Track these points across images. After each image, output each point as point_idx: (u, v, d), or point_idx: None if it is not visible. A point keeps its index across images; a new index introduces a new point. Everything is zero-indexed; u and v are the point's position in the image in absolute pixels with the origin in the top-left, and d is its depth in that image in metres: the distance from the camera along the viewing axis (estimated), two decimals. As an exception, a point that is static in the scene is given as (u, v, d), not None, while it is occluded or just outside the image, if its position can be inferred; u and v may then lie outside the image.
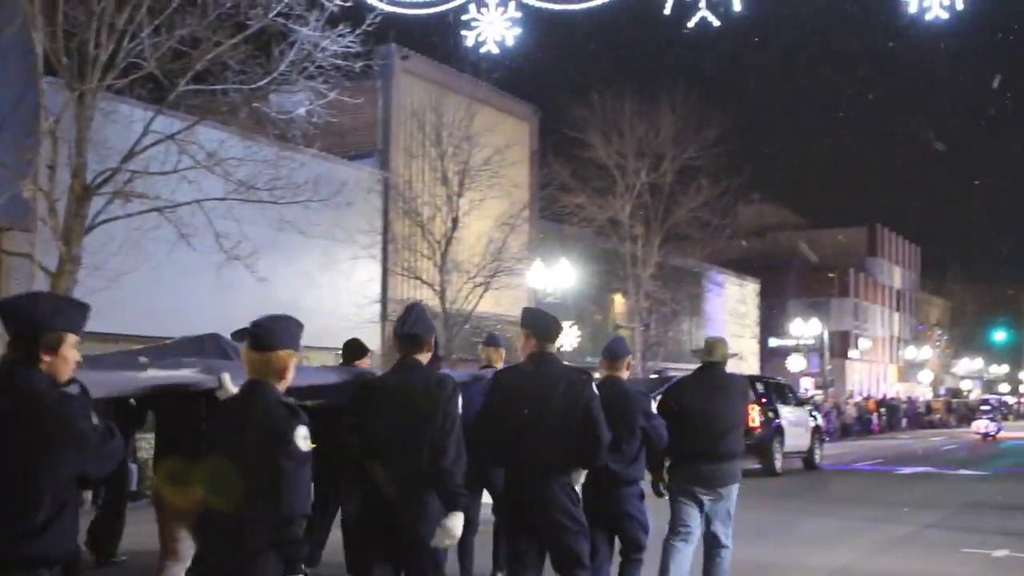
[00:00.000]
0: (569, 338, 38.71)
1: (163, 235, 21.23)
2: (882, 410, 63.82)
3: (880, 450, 40.45)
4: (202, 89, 19.66)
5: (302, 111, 20.92)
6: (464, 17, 17.28)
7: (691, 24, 16.33)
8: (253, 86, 19.23)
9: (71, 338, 4.72)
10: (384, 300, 33.65)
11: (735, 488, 9.43)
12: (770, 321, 67.25)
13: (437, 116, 34.63)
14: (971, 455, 38.97)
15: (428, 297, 33.40)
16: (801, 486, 24.42)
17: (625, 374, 9.17)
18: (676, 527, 9.24)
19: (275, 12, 18.51)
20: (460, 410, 6.77)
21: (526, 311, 8.13)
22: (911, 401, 74.73)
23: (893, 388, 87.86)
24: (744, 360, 51.93)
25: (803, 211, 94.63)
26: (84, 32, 18.18)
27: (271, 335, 5.39)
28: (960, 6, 15.18)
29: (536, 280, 35.27)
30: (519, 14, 16.90)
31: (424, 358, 6.98)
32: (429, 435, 6.60)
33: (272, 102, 21.24)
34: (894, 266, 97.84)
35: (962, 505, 20.98)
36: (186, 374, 6.83)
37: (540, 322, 7.86)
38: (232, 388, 6.12)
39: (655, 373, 35.86)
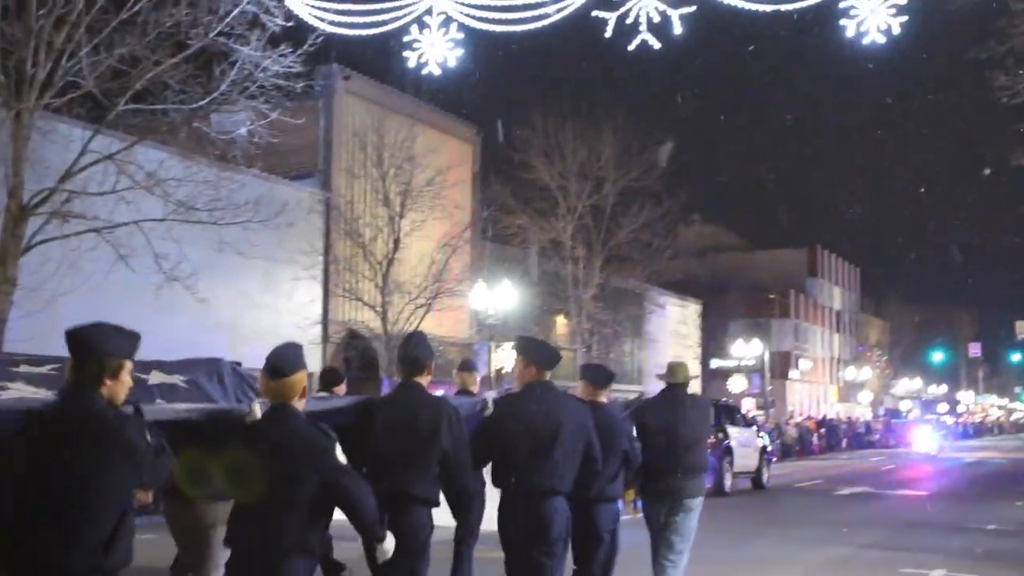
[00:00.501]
0: (511, 360, 38.64)
1: (101, 256, 21.03)
2: (822, 430, 64.23)
3: (820, 470, 40.69)
4: (142, 108, 19.51)
5: (243, 131, 20.79)
6: (406, 38, 17.22)
7: (632, 47, 16.37)
8: (193, 106, 19.10)
9: (128, 364, 5.23)
10: (325, 321, 33.51)
11: (700, 501, 10.00)
12: (712, 342, 67.63)
13: (379, 137, 34.58)
14: (909, 475, 39.30)
15: (369, 318, 33.30)
16: (747, 506, 24.49)
17: (606, 399, 9.45)
18: (654, 540, 9.95)
19: (216, 32, 18.39)
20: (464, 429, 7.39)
21: (524, 339, 8.57)
22: (851, 421, 75.26)
23: (833, 408, 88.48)
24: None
25: (744, 232, 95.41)
26: (22, 50, 18.00)
27: (287, 362, 6.14)
28: (896, 31, 15.32)
29: (478, 301, 35.24)
30: (461, 35, 16.87)
31: (425, 380, 7.51)
32: (432, 454, 7.20)
33: (213, 122, 21.10)
34: (834, 287, 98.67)
35: (900, 525, 21.14)
36: (221, 404, 7.30)
37: (542, 351, 8.29)
38: (259, 413, 6.43)
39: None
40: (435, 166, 35.00)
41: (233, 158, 21.09)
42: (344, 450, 6.22)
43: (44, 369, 7.35)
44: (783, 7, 15.81)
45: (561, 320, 48.23)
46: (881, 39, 15.50)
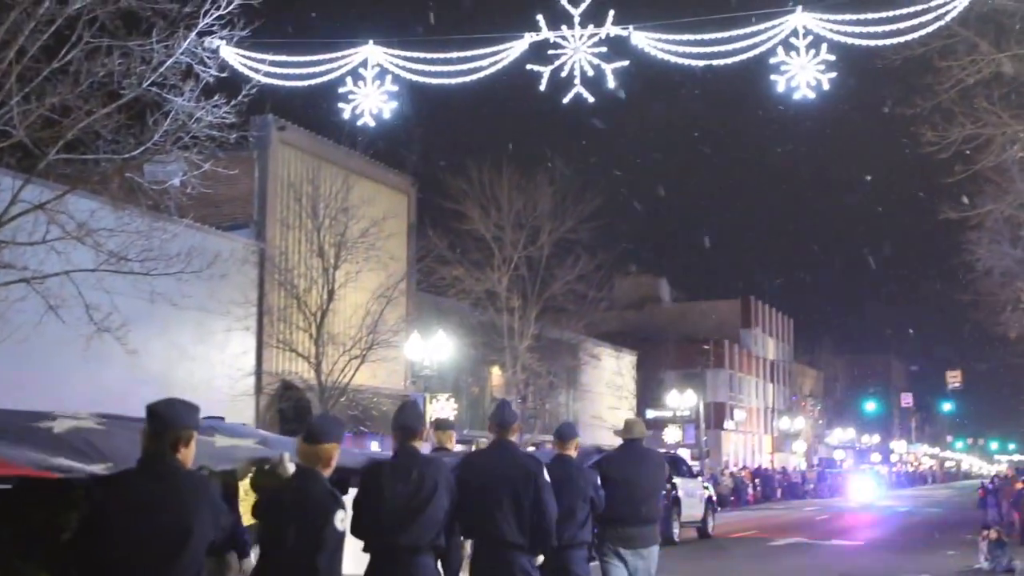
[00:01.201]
0: (446, 411, 38.60)
1: (30, 306, 20.74)
2: (757, 480, 64.51)
3: (755, 520, 40.82)
4: (73, 158, 19.27)
5: (176, 181, 20.62)
6: (341, 90, 17.27)
7: (566, 100, 16.50)
8: (126, 156, 18.87)
9: (195, 433, 5.95)
10: (259, 373, 33.26)
11: (655, 549, 10.92)
12: (647, 392, 67.79)
13: (314, 188, 34.56)
14: (843, 525, 39.51)
15: (303, 370, 33.10)
16: (682, 557, 24.48)
17: (574, 453, 10.36)
18: None
19: (149, 82, 18.26)
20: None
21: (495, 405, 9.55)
22: (785, 471, 75.65)
23: (767, 458, 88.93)
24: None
25: (679, 283, 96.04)
26: (-50, 99, 17.80)
27: (322, 431, 6.91)
28: (826, 87, 15.56)
29: (413, 352, 35.15)
30: (395, 88, 16.95)
31: (419, 444, 8.21)
32: (432, 510, 7.85)
33: (146, 172, 20.90)
34: (768, 338, 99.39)
35: None
36: (251, 445, 7.71)
37: (496, 415, 9.21)
38: (290, 467, 7.03)
39: (532, 445, 35.98)
40: (370, 217, 34.99)
41: (166, 208, 20.95)
42: None
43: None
44: (715, 62, 16.03)
45: (496, 371, 48.19)
46: (811, 94, 15.76)
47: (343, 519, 6.56)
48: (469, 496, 8.35)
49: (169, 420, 5.80)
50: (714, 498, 34.19)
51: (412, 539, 7.82)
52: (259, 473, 7.18)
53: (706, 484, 33.57)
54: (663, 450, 35.50)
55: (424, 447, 8.59)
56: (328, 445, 6.82)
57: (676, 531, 27.68)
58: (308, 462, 6.80)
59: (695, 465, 54.42)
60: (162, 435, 5.75)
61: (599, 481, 10.39)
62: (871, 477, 60.38)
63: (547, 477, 8.79)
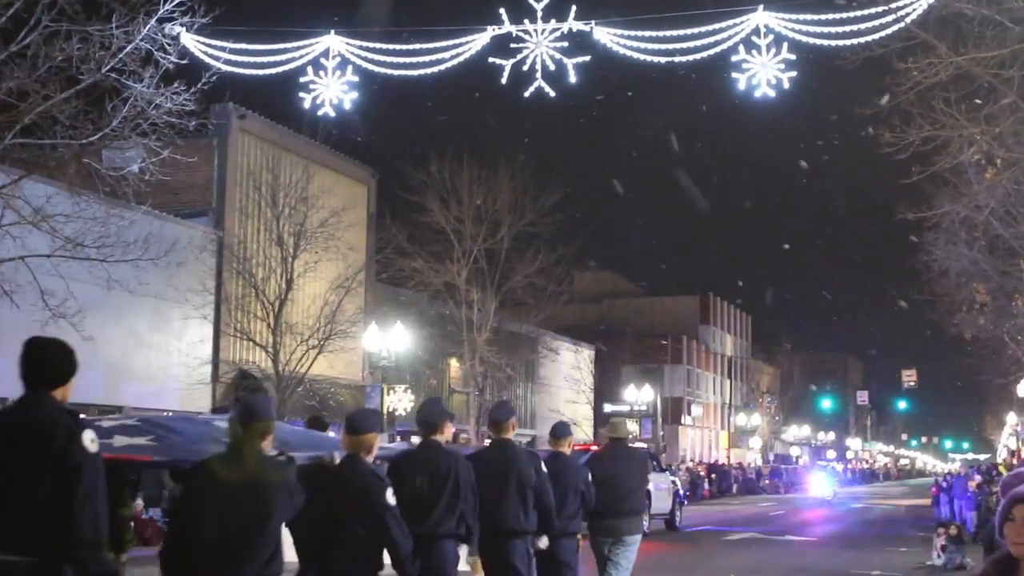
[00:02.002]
0: (404, 402, 38.58)
1: (-16, 291, 20.60)
2: (713, 475, 64.76)
3: (711, 515, 40.98)
4: (30, 143, 19.14)
5: (135, 168, 20.47)
6: (302, 79, 17.21)
7: (528, 93, 16.51)
8: (84, 141, 18.76)
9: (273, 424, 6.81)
10: (215, 361, 33.13)
11: (637, 538, 11.96)
12: (605, 387, 67.93)
13: (273, 176, 34.42)
14: (798, 520, 39.73)
15: (260, 359, 32.99)
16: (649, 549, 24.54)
17: (567, 449, 11.29)
18: (600, 570, 11.85)
19: (108, 67, 18.13)
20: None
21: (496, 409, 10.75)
22: (742, 467, 75.99)
23: (724, 454, 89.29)
24: (579, 425, 52.26)
25: (638, 279, 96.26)
26: (-94, 81, 17.62)
27: (364, 423, 7.92)
28: (786, 86, 15.64)
29: (371, 343, 35.08)
30: (356, 78, 16.90)
31: (441, 438, 9.08)
32: (451, 499, 8.68)
33: (104, 158, 20.77)
34: (726, 334, 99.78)
35: (787, 571, 21.34)
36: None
37: (495, 413, 10.23)
38: (338, 457, 7.97)
39: (489, 438, 36.03)
40: (330, 207, 34.91)
41: (124, 195, 20.76)
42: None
43: (132, 421, 8.67)
44: (677, 59, 16.08)
45: (455, 363, 48.20)
46: (772, 93, 15.84)
47: (391, 494, 7.62)
48: (478, 488, 9.07)
49: (257, 413, 6.68)
50: (681, 492, 35.13)
51: (433, 527, 8.61)
52: (312, 465, 7.81)
53: (673, 479, 34.41)
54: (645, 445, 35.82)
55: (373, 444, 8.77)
56: (369, 435, 7.84)
57: (646, 523, 27.84)
58: (353, 450, 7.79)
59: (651, 460, 54.78)
60: (251, 426, 6.57)
61: (589, 477, 11.13)
62: (827, 474, 60.69)
63: (544, 470, 9.87)
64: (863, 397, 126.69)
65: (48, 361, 6.17)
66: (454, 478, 8.73)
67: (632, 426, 65.12)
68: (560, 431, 11.51)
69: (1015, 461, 49.28)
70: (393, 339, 35.40)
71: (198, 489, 6.55)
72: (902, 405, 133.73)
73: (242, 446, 6.57)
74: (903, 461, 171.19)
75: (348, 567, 7.55)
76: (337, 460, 7.91)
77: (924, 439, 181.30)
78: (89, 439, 5.70)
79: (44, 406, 5.86)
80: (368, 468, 7.76)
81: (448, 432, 9.26)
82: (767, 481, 74.81)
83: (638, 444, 57.36)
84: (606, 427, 12.96)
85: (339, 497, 7.51)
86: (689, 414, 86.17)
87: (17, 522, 5.56)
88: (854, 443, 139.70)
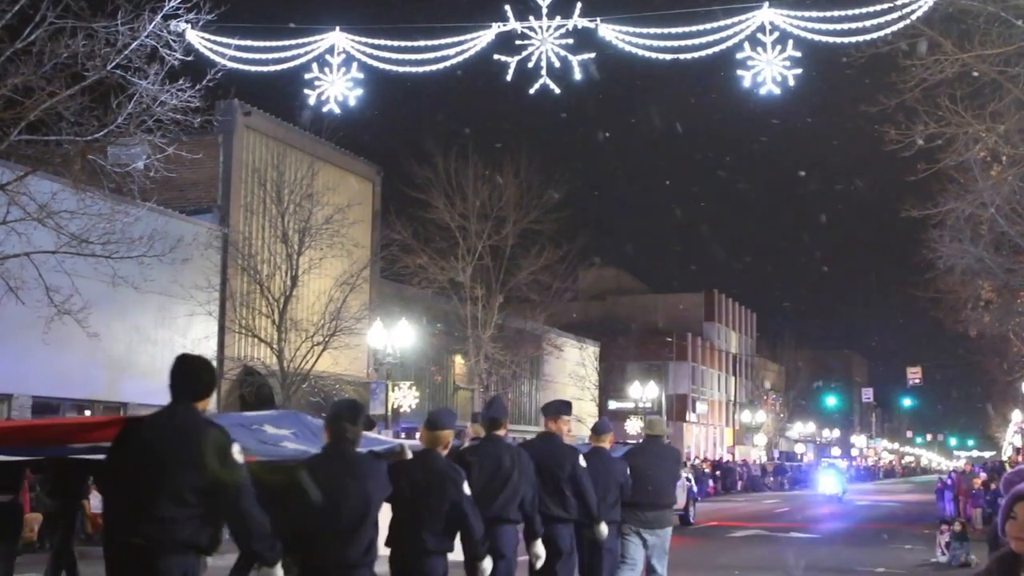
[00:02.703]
0: (408, 399, 38.59)
1: (-10, 288, 20.62)
2: (718, 472, 64.76)
3: (716, 512, 40.98)
4: (35, 139, 19.16)
5: (140, 164, 20.47)
6: (307, 76, 17.20)
7: (533, 91, 16.50)
8: (89, 138, 18.77)
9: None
10: (220, 358, 33.12)
11: (669, 530, 12.80)
12: (609, 384, 67.93)
13: (278, 173, 34.43)
14: (803, 518, 39.72)
15: (265, 355, 33.01)
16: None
17: (608, 445, 12.29)
18: (624, 558, 12.34)
19: (114, 64, 18.14)
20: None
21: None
22: (746, 464, 75.97)
23: (728, 451, 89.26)
24: (583, 422, 52.19)
25: (643, 276, 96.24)
26: (-89, 78, 17.64)
27: (443, 420, 8.86)
28: (792, 83, 15.62)
29: (375, 340, 35.10)
30: (361, 75, 16.89)
31: (502, 432, 10.16)
32: (512, 487, 9.75)
33: (109, 154, 20.78)
34: (731, 331, 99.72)
35: (792, 568, 21.33)
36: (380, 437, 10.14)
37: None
38: (409, 454, 8.91)
39: (476, 439, 36.00)
40: (334, 204, 34.92)
41: (129, 191, 20.77)
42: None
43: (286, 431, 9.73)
44: (682, 56, 16.07)
45: (459, 360, 48.20)
46: (776, 90, 15.81)
47: (467, 484, 8.56)
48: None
49: (349, 413, 7.71)
50: (695, 488, 35.80)
51: (496, 512, 9.55)
52: (394, 461, 8.70)
53: (688, 476, 34.84)
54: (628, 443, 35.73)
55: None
56: (446, 432, 8.77)
57: None
58: (431, 445, 8.75)
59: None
60: (342, 426, 7.58)
61: (628, 471, 12.03)
62: (833, 472, 60.73)
63: (583, 463, 10.88)
64: (868, 394, 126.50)
65: (200, 377, 7.05)
66: (516, 469, 9.78)
67: (637, 423, 65.34)
68: (601, 428, 12.52)
69: (1020, 458, 49.26)
70: (398, 336, 35.43)
71: (309, 483, 7.40)
72: (907, 402, 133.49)
73: (342, 444, 7.59)
74: (908, 459, 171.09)
75: (424, 550, 8.40)
76: (408, 455, 8.92)
77: (929, 436, 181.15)
78: (237, 450, 6.73)
79: (194, 416, 6.80)
80: (445, 460, 8.73)
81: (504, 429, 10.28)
82: (771, 479, 74.80)
83: (629, 440, 57.51)
84: (643, 425, 14.19)
85: (420, 487, 8.41)
86: (694, 411, 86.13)
87: (164, 519, 6.48)
88: (859, 440, 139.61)
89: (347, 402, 8.11)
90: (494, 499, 9.61)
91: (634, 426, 64.97)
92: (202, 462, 6.53)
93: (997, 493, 30.25)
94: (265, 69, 17.49)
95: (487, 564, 8.64)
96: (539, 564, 10.11)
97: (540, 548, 9.99)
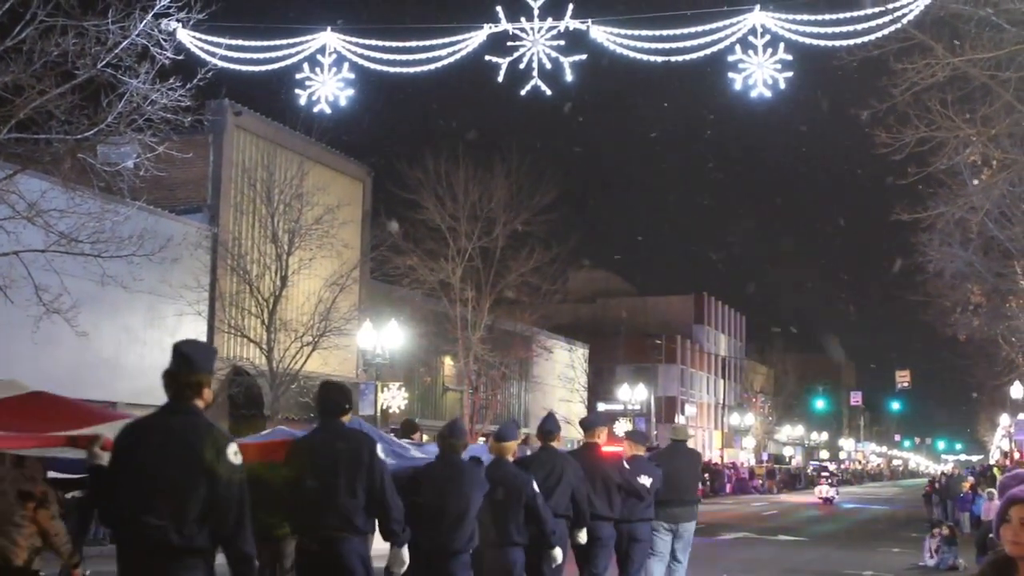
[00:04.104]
0: (397, 400, 38.54)
1: (-22, 286, 20.55)
2: (706, 475, 64.76)
3: (704, 515, 40.97)
4: (25, 137, 19.09)
5: (130, 163, 20.41)
6: (298, 76, 17.15)
7: (524, 92, 16.48)
8: (79, 136, 18.70)
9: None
10: (209, 358, 33.02)
11: (692, 524, 14.48)
12: (599, 386, 67.92)
13: (268, 173, 34.39)
14: (790, 521, 39.77)
15: (255, 356, 32.96)
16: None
17: (642, 451, 13.72)
18: (653, 551, 13.80)
19: (104, 63, 18.08)
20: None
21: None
22: (735, 466, 76.01)
23: (717, 454, 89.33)
24: (572, 424, 52.21)
25: (632, 278, 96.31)
26: (-100, 76, 17.56)
27: (509, 434, 10.61)
28: (783, 86, 15.62)
29: (365, 341, 35.06)
30: (352, 75, 16.85)
31: (556, 443, 11.91)
32: (562, 489, 11.32)
33: (99, 153, 20.72)
34: (720, 334, 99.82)
35: (779, 571, 21.36)
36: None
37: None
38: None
39: (483, 436, 35.99)
40: (324, 204, 34.87)
41: (118, 190, 20.68)
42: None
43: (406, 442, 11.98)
44: (673, 58, 16.06)
45: (449, 361, 48.18)
46: (767, 93, 15.81)
47: (536, 485, 10.33)
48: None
49: (508, 435, 10.33)
50: None
51: (552, 510, 10.82)
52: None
53: None
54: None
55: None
56: (512, 442, 10.50)
57: None
58: (499, 454, 10.45)
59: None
60: (455, 441, 9.63)
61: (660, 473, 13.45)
62: (831, 475, 60.86)
63: (626, 465, 12.75)
64: (857, 398, 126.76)
65: (347, 398, 8.89)
66: (568, 474, 11.33)
67: (626, 426, 65.37)
68: (639, 437, 14.22)
69: (1008, 462, 49.35)
70: (387, 337, 35.39)
71: (419, 487, 9.32)
72: (896, 406, 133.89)
73: (451, 451, 9.53)
74: (896, 462, 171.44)
75: (510, 541, 10.10)
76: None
77: (917, 440, 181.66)
78: (381, 450, 8.49)
79: (345, 429, 8.63)
80: (515, 467, 10.51)
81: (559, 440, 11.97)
82: (760, 481, 74.85)
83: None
84: (669, 431, 15.87)
85: (499, 489, 9.96)
86: (683, 413, 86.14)
87: (340, 508, 8.23)
88: (847, 443, 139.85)
89: (454, 423, 10.04)
90: (549, 498, 10.87)
91: (624, 428, 65.04)
92: (359, 464, 8.35)
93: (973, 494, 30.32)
94: (256, 69, 17.44)
95: (558, 553, 10.72)
96: (580, 546, 11.94)
97: (583, 536, 11.71)
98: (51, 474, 10.03)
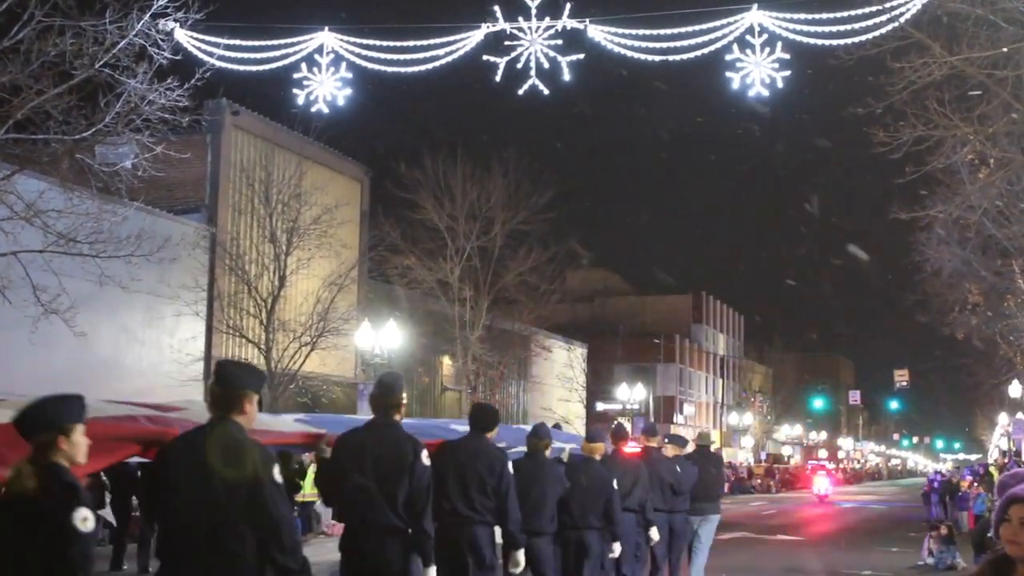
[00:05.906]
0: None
1: (-24, 287, 20.53)
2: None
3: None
4: (23, 138, 19.08)
5: (128, 164, 20.40)
6: (296, 75, 17.15)
7: (521, 91, 16.47)
8: (76, 136, 18.69)
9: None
10: (207, 358, 33.05)
11: (717, 517, 16.20)
12: (597, 385, 67.86)
13: (266, 173, 34.37)
14: (789, 520, 39.73)
15: (253, 356, 32.94)
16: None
17: (656, 444, 14.86)
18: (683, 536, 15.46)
19: (102, 62, 18.07)
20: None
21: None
22: (733, 466, 75.99)
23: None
24: (571, 424, 52.21)
25: (631, 277, 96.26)
26: (-102, 76, 17.55)
27: (598, 437, 12.37)
28: (780, 85, 15.62)
29: (363, 341, 35.04)
30: (350, 75, 16.85)
31: (599, 452, 12.44)
32: (601, 491, 11.95)
33: (97, 153, 20.71)
34: (719, 333, 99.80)
35: (778, 571, 21.33)
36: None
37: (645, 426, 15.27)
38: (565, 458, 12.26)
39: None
40: (323, 204, 34.86)
41: (116, 191, 20.68)
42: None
43: None
44: (671, 58, 16.06)
45: (447, 361, 48.17)
46: (765, 92, 15.80)
47: (616, 484, 11.70)
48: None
49: (546, 436, 11.10)
50: None
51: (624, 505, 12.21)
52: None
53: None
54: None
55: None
56: (600, 444, 12.12)
57: None
58: (588, 453, 11.91)
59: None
60: (538, 441, 10.99)
61: (678, 469, 14.58)
62: (827, 474, 60.90)
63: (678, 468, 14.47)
64: (855, 397, 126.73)
65: (401, 393, 8.64)
66: (643, 474, 12.94)
67: (626, 424, 65.35)
68: (679, 440, 15.70)
69: (1006, 461, 49.35)
70: (386, 336, 35.36)
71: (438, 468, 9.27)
72: (894, 405, 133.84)
73: (480, 437, 9.87)
74: (895, 461, 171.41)
75: (592, 527, 11.46)
76: (565, 458, 12.13)
77: (916, 439, 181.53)
78: (425, 454, 8.24)
79: (397, 428, 8.41)
80: (601, 466, 11.79)
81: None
82: (759, 481, 74.84)
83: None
84: (695, 436, 17.79)
85: (580, 486, 11.34)
86: (681, 413, 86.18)
87: (390, 509, 8.12)
88: (846, 443, 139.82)
89: (540, 426, 11.38)
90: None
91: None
92: (404, 463, 8.33)
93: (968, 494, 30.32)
94: (254, 69, 17.43)
95: (617, 547, 11.90)
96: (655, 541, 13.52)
97: (655, 532, 13.31)
98: None
